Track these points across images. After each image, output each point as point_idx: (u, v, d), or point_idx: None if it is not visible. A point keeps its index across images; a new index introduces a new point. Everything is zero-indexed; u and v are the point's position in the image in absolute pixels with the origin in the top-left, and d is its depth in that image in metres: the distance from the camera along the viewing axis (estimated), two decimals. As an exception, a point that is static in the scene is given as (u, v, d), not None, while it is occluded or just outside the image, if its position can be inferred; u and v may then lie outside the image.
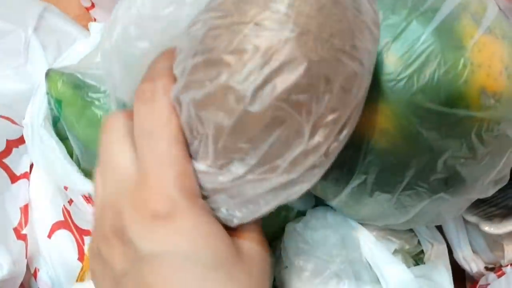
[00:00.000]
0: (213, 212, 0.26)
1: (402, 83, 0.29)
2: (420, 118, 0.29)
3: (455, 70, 0.29)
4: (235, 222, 0.27)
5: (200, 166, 0.25)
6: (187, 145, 0.25)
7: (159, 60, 0.26)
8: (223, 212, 0.26)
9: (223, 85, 0.23)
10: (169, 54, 0.26)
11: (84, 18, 0.70)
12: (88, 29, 0.57)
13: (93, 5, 0.64)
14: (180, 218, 0.23)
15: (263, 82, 0.22)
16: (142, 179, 0.24)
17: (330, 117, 0.24)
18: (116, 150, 0.26)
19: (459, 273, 0.47)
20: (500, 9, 0.36)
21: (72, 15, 0.71)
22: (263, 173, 0.24)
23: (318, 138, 0.24)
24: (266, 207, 0.26)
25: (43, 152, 0.37)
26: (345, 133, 0.25)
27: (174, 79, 0.25)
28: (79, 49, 0.43)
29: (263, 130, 0.23)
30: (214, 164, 0.25)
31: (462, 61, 0.29)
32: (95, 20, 0.65)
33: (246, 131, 0.23)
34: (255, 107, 0.23)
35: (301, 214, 0.41)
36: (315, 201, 0.41)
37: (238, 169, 0.24)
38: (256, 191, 0.25)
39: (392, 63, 0.29)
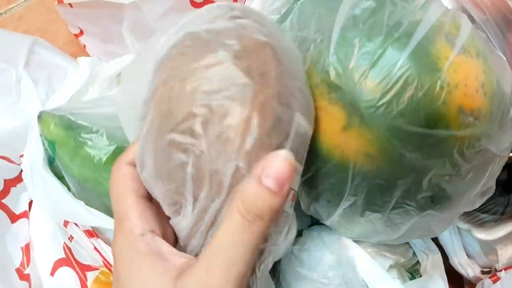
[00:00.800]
0: None
1: (382, 109, 0.29)
2: (402, 141, 0.30)
3: (432, 92, 0.29)
4: None
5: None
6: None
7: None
8: None
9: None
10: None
11: (73, 44, 0.71)
12: (78, 55, 0.58)
13: (81, 32, 0.65)
14: None
15: None
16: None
17: None
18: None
19: (457, 279, 0.48)
20: (473, 24, 0.37)
21: (61, 42, 0.72)
22: None
23: None
24: None
25: (47, 192, 0.38)
26: None
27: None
28: (69, 86, 0.43)
29: None
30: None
31: (438, 83, 0.29)
32: (84, 46, 0.65)
33: None
34: None
35: (298, 234, 0.42)
36: (310, 220, 0.42)
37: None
38: None
39: (371, 90, 0.30)
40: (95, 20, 0.60)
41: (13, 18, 0.73)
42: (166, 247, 0.27)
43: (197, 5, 0.54)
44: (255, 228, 0.24)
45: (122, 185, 0.29)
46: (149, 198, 0.29)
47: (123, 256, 0.27)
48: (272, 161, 0.24)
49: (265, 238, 0.26)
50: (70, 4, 0.59)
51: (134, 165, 0.29)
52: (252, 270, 0.26)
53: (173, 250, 0.27)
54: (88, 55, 0.64)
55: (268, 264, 0.28)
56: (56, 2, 0.60)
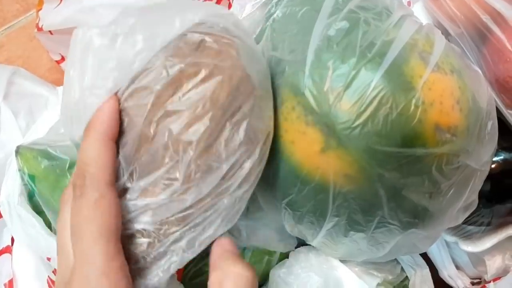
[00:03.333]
0: None
1: (357, 130, 0.29)
2: (380, 160, 0.30)
3: (407, 111, 0.29)
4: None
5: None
6: (115, 239, 0.25)
7: (88, 143, 0.26)
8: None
9: None
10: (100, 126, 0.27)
11: (56, 70, 0.71)
12: (62, 82, 0.58)
13: (63, 58, 0.65)
14: None
15: None
16: (70, 276, 0.25)
17: None
18: (66, 236, 0.26)
19: (448, 291, 0.48)
20: (449, 38, 0.37)
21: (43, 69, 0.72)
22: None
23: None
24: None
25: (24, 228, 0.38)
26: None
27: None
28: (48, 117, 0.43)
29: None
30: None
31: (413, 102, 0.29)
32: (66, 72, 0.65)
33: None
34: None
35: (285, 256, 0.41)
36: (297, 242, 0.42)
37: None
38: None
39: (346, 111, 0.30)
40: (76, 46, 0.60)
41: (-6, 47, 0.72)
42: None
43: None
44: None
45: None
46: None
47: None
48: None
49: None
50: (50, 31, 0.59)
51: None
52: None
53: None
54: (71, 81, 0.63)
55: None
56: (35, 30, 0.60)
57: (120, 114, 0.27)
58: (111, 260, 0.25)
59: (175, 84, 0.27)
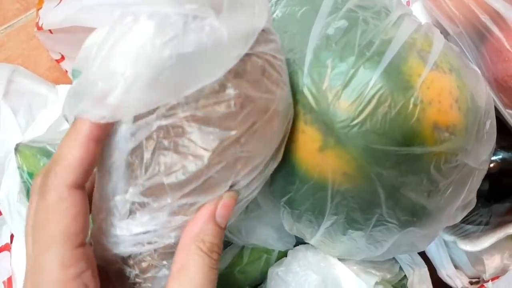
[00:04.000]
0: None
1: (356, 128, 0.29)
2: (378, 159, 0.30)
3: (406, 110, 0.29)
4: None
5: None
6: (72, 245, 0.24)
7: (66, 139, 0.24)
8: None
9: None
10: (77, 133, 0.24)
11: (56, 70, 0.71)
12: (61, 81, 0.58)
13: (63, 57, 0.65)
14: None
15: None
16: (24, 282, 0.24)
17: None
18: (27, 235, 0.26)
19: (446, 290, 0.48)
20: (448, 37, 0.37)
21: (43, 69, 0.72)
22: None
23: None
24: None
25: (23, 226, 0.38)
26: None
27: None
28: (47, 115, 0.43)
29: None
30: None
31: (412, 100, 0.30)
32: (66, 71, 0.65)
33: None
34: None
35: (283, 254, 0.41)
36: (295, 240, 0.42)
37: None
38: None
39: (344, 110, 0.30)
40: (75, 45, 0.59)
41: (-6, 46, 0.73)
42: None
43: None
44: (214, 258, 0.26)
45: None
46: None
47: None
48: (225, 201, 0.27)
49: None
50: (49, 31, 0.59)
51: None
52: None
53: None
54: (70, 80, 0.64)
55: None
56: (35, 29, 0.60)
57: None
58: (66, 268, 0.23)
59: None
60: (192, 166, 0.25)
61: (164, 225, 0.26)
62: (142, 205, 0.26)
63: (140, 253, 0.27)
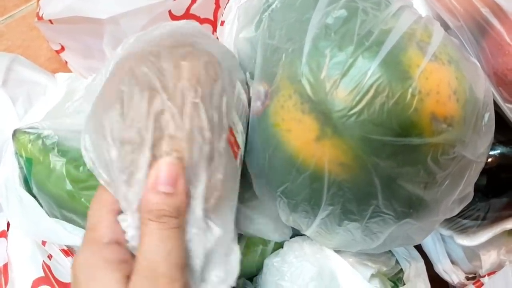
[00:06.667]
0: None
1: (353, 118, 0.29)
2: (375, 149, 0.30)
3: (403, 100, 0.29)
4: None
5: None
6: None
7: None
8: None
9: None
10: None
11: (55, 60, 0.71)
12: (60, 72, 0.58)
13: (62, 48, 0.65)
14: None
15: None
16: None
17: None
18: None
19: (442, 285, 0.48)
20: (448, 31, 0.37)
21: (43, 59, 0.72)
22: None
23: None
24: None
25: (23, 211, 0.38)
26: None
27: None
28: (45, 102, 0.43)
29: None
30: None
31: (410, 91, 0.29)
32: (66, 62, 0.65)
33: None
34: None
35: (279, 246, 0.41)
36: (292, 232, 0.42)
37: None
38: None
39: (342, 99, 0.30)
40: (76, 36, 0.60)
41: (-6, 36, 0.73)
42: (131, 256, 0.29)
43: (176, 18, 0.54)
44: (171, 224, 0.28)
45: (100, 201, 0.30)
46: None
47: (86, 264, 0.28)
48: (160, 169, 0.28)
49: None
50: (50, 21, 0.59)
51: None
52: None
53: None
54: (70, 71, 0.64)
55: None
56: (36, 19, 0.60)
57: None
58: None
59: None
60: None
61: None
62: None
63: None
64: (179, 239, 0.28)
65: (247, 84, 0.38)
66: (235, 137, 0.33)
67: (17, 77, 0.53)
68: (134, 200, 0.28)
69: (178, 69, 0.30)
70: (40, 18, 0.59)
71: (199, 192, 0.29)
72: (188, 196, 0.29)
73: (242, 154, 0.35)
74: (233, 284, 0.30)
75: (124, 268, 0.28)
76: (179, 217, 0.28)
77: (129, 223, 0.29)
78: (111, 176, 0.29)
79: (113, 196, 0.30)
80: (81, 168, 0.37)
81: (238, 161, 0.34)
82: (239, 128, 0.34)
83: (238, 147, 0.33)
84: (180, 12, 0.53)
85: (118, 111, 0.29)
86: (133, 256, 0.29)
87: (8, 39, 0.73)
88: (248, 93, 0.37)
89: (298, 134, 0.31)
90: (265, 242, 0.41)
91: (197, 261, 0.29)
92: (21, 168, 0.38)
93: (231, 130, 0.32)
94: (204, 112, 0.29)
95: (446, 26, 0.39)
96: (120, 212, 0.30)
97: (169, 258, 0.27)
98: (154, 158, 0.28)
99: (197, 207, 0.29)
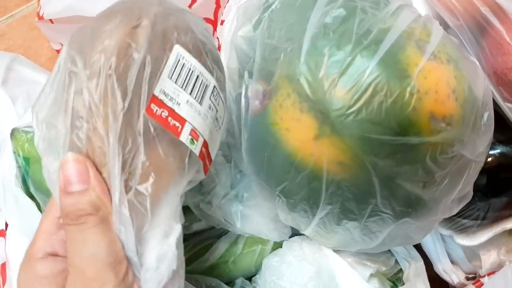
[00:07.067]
0: None
1: (351, 117, 0.29)
2: (373, 148, 0.30)
3: (402, 99, 0.29)
4: None
5: None
6: None
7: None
8: None
9: None
10: None
11: (56, 60, 0.71)
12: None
13: (63, 48, 0.65)
14: None
15: None
16: None
17: None
18: None
19: (442, 285, 0.48)
20: (448, 30, 0.37)
21: (44, 59, 0.72)
22: None
23: None
24: None
25: (19, 211, 0.38)
26: None
27: None
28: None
29: None
30: None
31: (408, 89, 0.29)
32: (67, 62, 0.65)
33: None
34: None
35: (278, 246, 0.41)
36: (291, 231, 0.41)
37: None
38: None
39: (340, 98, 0.29)
40: (76, 35, 0.60)
41: (-5, 36, 0.73)
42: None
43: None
44: (91, 223, 0.26)
45: (51, 202, 0.29)
46: None
47: (22, 281, 0.27)
48: (68, 168, 0.26)
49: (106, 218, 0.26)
50: (50, 20, 0.59)
51: None
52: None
53: None
54: (70, 71, 0.63)
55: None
56: (36, 19, 0.60)
57: None
58: None
59: None
60: None
61: None
62: None
63: None
64: (103, 235, 0.26)
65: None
66: (170, 109, 0.28)
67: (17, 77, 0.53)
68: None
69: (94, 33, 0.27)
70: (40, 18, 0.59)
71: (116, 178, 0.26)
72: (106, 184, 0.26)
73: (197, 125, 0.30)
74: (174, 267, 0.28)
75: (60, 280, 0.26)
76: (98, 212, 0.26)
77: None
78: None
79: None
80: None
81: (183, 135, 0.29)
82: (182, 98, 0.29)
83: (180, 119, 0.29)
84: (180, 11, 0.53)
85: (45, 88, 0.28)
86: None
87: (9, 39, 0.73)
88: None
89: (297, 133, 0.31)
90: (264, 242, 0.41)
91: (131, 251, 0.27)
92: (19, 167, 0.38)
93: (158, 101, 0.28)
94: (117, 85, 0.26)
95: (445, 25, 0.39)
96: None
97: (95, 260, 0.25)
98: (71, 145, 0.26)
99: (116, 194, 0.26)
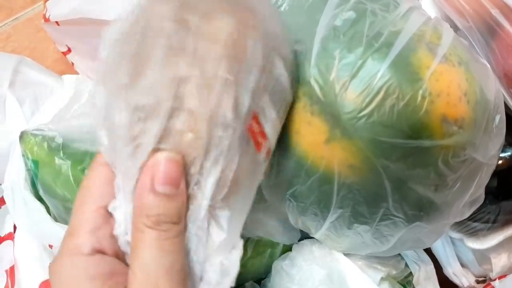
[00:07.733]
0: None
1: (363, 120, 0.29)
2: (385, 151, 0.30)
3: (414, 102, 0.29)
4: None
5: None
6: None
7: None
8: None
9: None
10: None
11: (62, 62, 0.71)
12: (67, 74, 0.58)
13: (69, 50, 0.65)
14: None
15: None
16: None
17: None
18: None
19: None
20: (457, 32, 0.37)
21: (50, 61, 0.72)
22: None
23: None
24: None
25: (28, 214, 0.38)
26: None
27: None
28: (52, 104, 0.43)
29: None
30: None
31: (420, 92, 0.29)
32: (72, 64, 0.65)
33: None
34: None
35: (288, 249, 0.41)
36: (300, 235, 0.41)
37: None
38: None
39: (351, 101, 0.29)
40: (82, 37, 0.60)
41: (1, 38, 0.73)
42: (119, 267, 0.25)
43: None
44: (173, 233, 0.24)
45: (85, 194, 0.26)
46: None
47: (67, 277, 0.24)
48: (157, 166, 0.23)
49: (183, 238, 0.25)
50: (56, 22, 0.59)
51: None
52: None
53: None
54: (77, 73, 0.64)
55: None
56: (42, 21, 0.60)
57: None
58: None
59: None
60: None
61: None
62: None
63: None
64: (181, 249, 0.24)
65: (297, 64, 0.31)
66: (261, 125, 0.27)
67: (24, 79, 0.53)
68: (133, 177, 0.24)
69: (209, 25, 0.24)
70: (46, 20, 0.59)
71: (207, 190, 0.24)
72: (190, 195, 0.24)
73: (272, 146, 0.29)
74: (233, 284, 0.26)
75: (113, 282, 0.24)
76: (181, 222, 0.24)
77: (119, 220, 0.25)
78: (114, 143, 0.25)
79: (101, 187, 0.25)
80: (86, 171, 0.37)
81: (262, 154, 0.28)
82: (270, 116, 0.28)
83: (265, 137, 0.28)
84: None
85: (133, 69, 0.24)
86: (120, 263, 0.25)
87: (15, 41, 0.73)
88: (291, 75, 0.30)
89: (307, 136, 0.31)
90: (273, 245, 0.41)
91: (197, 265, 0.25)
92: (28, 170, 0.38)
93: (255, 117, 0.26)
94: (234, 92, 0.24)
95: (455, 27, 0.39)
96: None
97: (171, 272, 0.23)
98: (166, 132, 0.24)
99: (201, 209, 0.25)
